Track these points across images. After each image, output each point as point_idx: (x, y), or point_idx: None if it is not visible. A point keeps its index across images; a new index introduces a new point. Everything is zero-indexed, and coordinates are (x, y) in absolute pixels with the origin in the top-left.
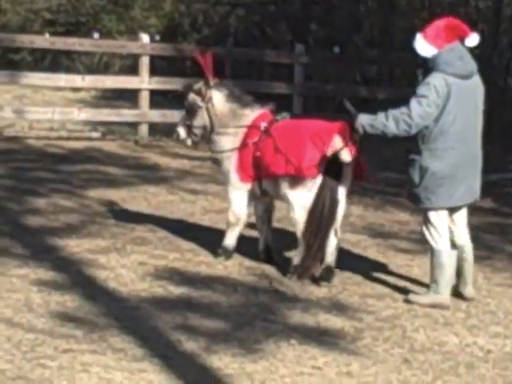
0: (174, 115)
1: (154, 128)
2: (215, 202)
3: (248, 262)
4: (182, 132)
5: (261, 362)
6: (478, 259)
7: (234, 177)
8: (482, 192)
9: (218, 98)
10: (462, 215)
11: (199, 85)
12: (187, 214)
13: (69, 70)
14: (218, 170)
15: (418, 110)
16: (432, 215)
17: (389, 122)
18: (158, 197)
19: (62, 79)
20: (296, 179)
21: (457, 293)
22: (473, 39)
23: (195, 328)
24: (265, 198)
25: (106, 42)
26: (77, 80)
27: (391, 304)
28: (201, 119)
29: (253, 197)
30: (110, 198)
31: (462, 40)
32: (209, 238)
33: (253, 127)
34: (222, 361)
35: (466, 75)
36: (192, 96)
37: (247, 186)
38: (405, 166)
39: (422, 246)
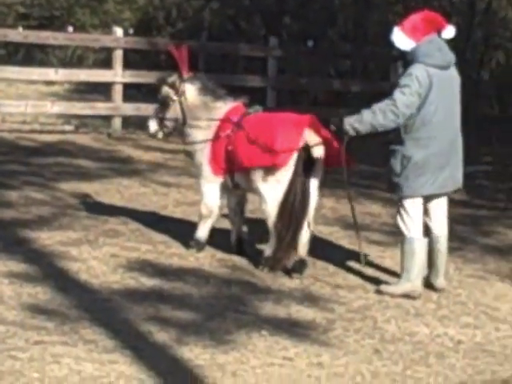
0: (147, 108)
1: (127, 121)
2: (188, 195)
3: (220, 254)
4: (152, 125)
5: (232, 352)
6: (449, 250)
7: (206, 169)
8: None
9: (191, 91)
10: (441, 205)
11: (173, 78)
12: (160, 207)
13: (42, 63)
14: (190, 162)
15: (403, 99)
16: (408, 203)
17: (376, 115)
18: (131, 189)
19: (36, 73)
20: (267, 172)
21: (428, 284)
22: (449, 31)
23: (166, 319)
24: (237, 190)
25: (79, 36)
26: (50, 73)
27: (362, 295)
28: (173, 112)
29: (225, 189)
30: (83, 191)
31: (438, 32)
32: (181, 231)
33: (225, 120)
34: (193, 352)
35: (445, 66)
36: (165, 89)
37: (219, 179)
38: (379, 158)
39: (394, 237)
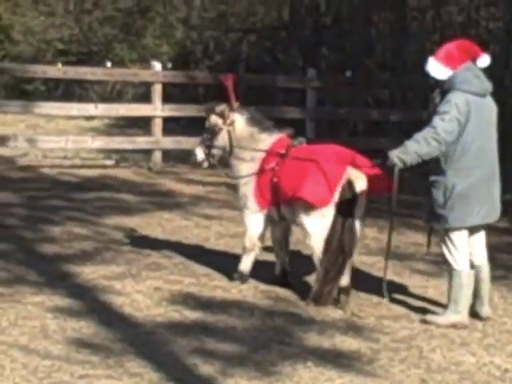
0: (187, 142)
1: (167, 155)
2: (230, 227)
3: (263, 286)
4: (199, 153)
5: None
6: (494, 279)
7: (251, 201)
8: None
9: (240, 122)
10: (480, 235)
11: (222, 107)
12: (202, 240)
13: (82, 98)
14: (233, 194)
15: (443, 126)
16: (454, 234)
17: (420, 144)
18: (173, 222)
19: (75, 108)
20: (311, 205)
21: (473, 313)
22: (484, 60)
23: (211, 352)
24: (282, 222)
25: (118, 71)
26: (90, 108)
27: (407, 325)
28: (221, 141)
29: (270, 221)
30: (125, 225)
31: (474, 61)
32: (223, 263)
33: (270, 152)
34: None
35: (482, 93)
36: (214, 118)
37: (264, 211)
38: (418, 187)
39: (438, 267)
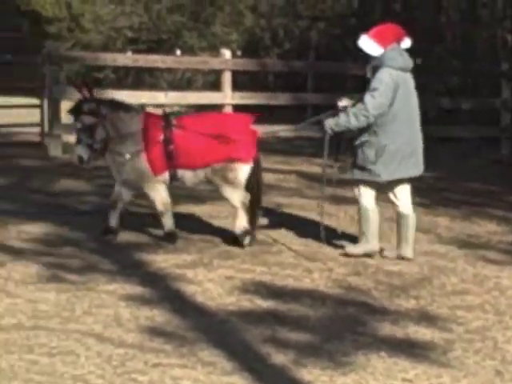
0: (257, 129)
1: None
2: (300, 215)
3: (335, 275)
4: (84, 153)
5: (351, 374)
6: None
7: (147, 173)
8: None
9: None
10: (405, 187)
11: (91, 105)
12: (272, 228)
13: (152, 86)
14: (304, 182)
15: (373, 102)
16: (369, 185)
17: (350, 118)
18: None
19: (146, 96)
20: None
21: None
22: (407, 42)
23: (283, 341)
24: None
25: (188, 59)
26: (160, 97)
27: (481, 315)
28: (100, 134)
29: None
30: (196, 214)
31: (398, 42)
32: (295, 252)
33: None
34: (312, 374)
35: (406, 69)
36: (86, 117)
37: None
38: (491, 176)
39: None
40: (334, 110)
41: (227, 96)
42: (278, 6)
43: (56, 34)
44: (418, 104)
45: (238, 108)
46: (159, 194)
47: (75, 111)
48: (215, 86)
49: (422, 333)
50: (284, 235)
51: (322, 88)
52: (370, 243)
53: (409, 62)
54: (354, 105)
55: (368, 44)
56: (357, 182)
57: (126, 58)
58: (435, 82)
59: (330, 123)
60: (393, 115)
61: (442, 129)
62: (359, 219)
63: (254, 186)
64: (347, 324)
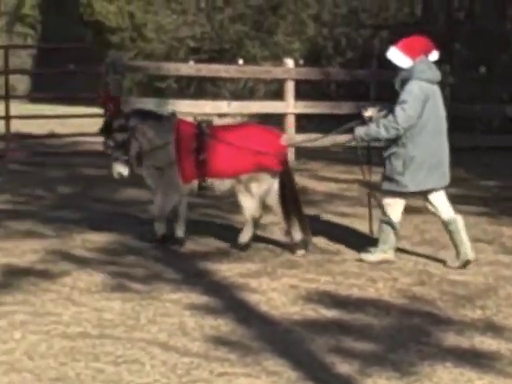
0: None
1: (299, 152)
2: (364, 225)
3: (399, 285)
4: (123, 170)
5: None
6: None
7: (176, 182)
8: None
9: (140, 125)
10: (439, 195)
11: (120, 122)
12: (335, 238)
13: (214, 96)
14: (365, 192)
15: (402, 116)
16: (397, 196)
17: (380, 130)
18: None
19: (209, 106)
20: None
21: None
22: (434, 55)
23: (348, 351)
24: None
25: (251, 68)
26: (223, 106)
27: None
28: (134, 149)
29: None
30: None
31: (426, 55)
32: (359, 262)
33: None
34: None
35: (435, 81)
36: (117, 134)
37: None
38: None
39: None
40: (360, 120)
41: (290, 105)
42: (341, 14)
43: (119, 43)
44: (445, 115)
45: (300, 117)
46: (169, 201)
47: (106, 131)
48: (277, 95)
49: (487, 343)
50: (347, 244)
51: (384, 96)
52: (387, 253)
53: (437, 75)
54: (379, 113)
55: (397, 56)
56: (385, 193)
57: (189, 68)
58: (500, 90)
59: (359, 132)
60: (421, 127)
61: (506, 138)
62: (381, 228)
63: (289, 196)
64: (412, 334)
